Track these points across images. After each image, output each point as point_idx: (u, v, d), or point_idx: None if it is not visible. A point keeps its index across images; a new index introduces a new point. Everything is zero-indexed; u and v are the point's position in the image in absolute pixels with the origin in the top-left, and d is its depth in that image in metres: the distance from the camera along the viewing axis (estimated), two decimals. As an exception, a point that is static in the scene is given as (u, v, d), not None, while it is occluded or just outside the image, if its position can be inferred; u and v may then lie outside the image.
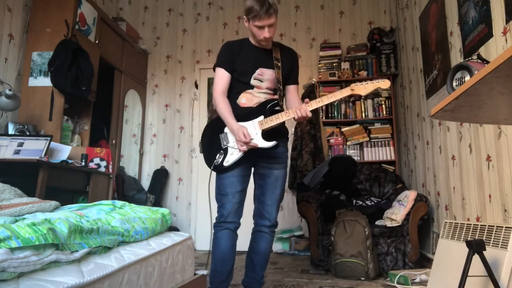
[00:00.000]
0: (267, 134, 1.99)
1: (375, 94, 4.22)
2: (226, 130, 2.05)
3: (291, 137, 4.46)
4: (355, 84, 1.95)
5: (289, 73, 2.16)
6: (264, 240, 2.10)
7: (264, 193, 2.10)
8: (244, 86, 2.07)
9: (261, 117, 2.01)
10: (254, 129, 2.00)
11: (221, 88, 2.06)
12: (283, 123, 2.08)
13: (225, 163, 2.00)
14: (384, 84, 1.93)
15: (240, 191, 2.02)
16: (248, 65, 2.07)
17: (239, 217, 2.03)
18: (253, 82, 2.07)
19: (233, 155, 2.00)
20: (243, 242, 2.15)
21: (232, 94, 2.09)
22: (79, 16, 3.39)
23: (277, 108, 2.05)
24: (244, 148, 1.96)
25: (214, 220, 2.06)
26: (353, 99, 4.29)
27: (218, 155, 2.02)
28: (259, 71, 2.07)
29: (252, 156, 2.02)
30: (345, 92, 1.94)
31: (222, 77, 2.07)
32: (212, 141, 2.08)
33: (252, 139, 1.96)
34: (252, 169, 2.15)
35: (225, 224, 1.99)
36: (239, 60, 2.08)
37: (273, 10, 1.93)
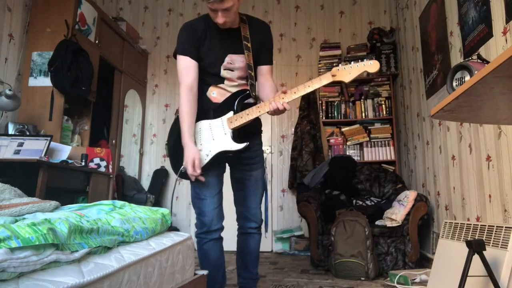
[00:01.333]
0: (239, 134, 1.77)
1: (375, 94, 4.22)
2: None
3: (291, 137, 4.47)
4: (337, 68, 1.62)
5: (260, 50, 1.86)
6: (253, 240, 1.98)
7: (247, 197, 1.93)
8: (214, 78, 1.82)
9: (231, 113, 1.75)
10: (222, 129, 1.76)
11: (189, 82, 1.75)
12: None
13: None
14: (373, 66, 1.58)
15: (218, 193, 1.85)
16: (216, 53, 1.79)
17: (222, 220, 1.88)
18: (223, 73, 1.81)
19: (200, 161, 1.76)
20: (229, 241, 2.06)
21: (202, 85, 1.82)
22: (79, 16, 3.39)
23: (249, 100, 1.82)
24: (192, 178, 1.72)
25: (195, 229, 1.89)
26: (353, 99, 4.29)
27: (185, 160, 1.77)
28: (228, 58, 1.80)
29: (224, 160, 1.84)
30: (324, 80, 1.63)
31: (189, 67, 1.76)
32: (178, 143, 1.80)
33: (202, 173, 1.72)
34: (227, 167, 1.96)
35: (210, 235, 1.83)
36: (205, 46, 1.79)
37: None
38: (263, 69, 1.90)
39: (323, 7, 4.82)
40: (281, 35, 4.80)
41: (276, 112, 1.70)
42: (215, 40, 1.80)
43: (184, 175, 1.79)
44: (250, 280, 2.02)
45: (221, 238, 1.90)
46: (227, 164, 1.97)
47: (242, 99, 1.80)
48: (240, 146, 1.74)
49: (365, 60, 1.62)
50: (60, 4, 3.31)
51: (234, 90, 1.84)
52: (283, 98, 1.68)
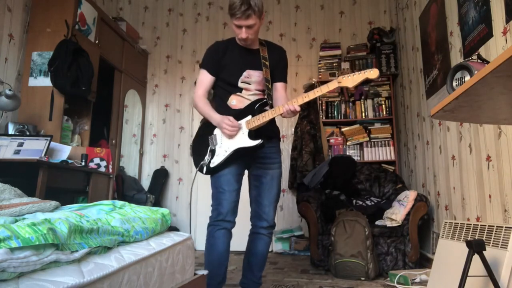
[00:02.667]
0: (255, 135, 1.95)
1: (375, 94, 4.22)
2: (215, 132, 2.01)
3: (291, 137, 4.47)
4: (342, 76, 1.84)
5: (276, 69, 2.10)
6: (262, 242, 2.08)
7: (261, 194, 2.06)
8: (233, 88, 2.04)
9: (249, 117, 1.96)
10: (241, 129, 1.97)
11: (202, 93, 2.04)
12: (274, 123, 2.08)
13: (212, 165, 1.97)
14: (373, 74, 1.77)
15: (236, 190, 1.99)
16: (235, 68, 2.03)
17: (235, 216, 2.00)
18: (241, 85, 2.03)
19: (218, 156, 1.97)
20: (240, 243, 2.12)
21: (222, 95, 2.07)
22: (79, 16, 3.39)
23: (266, 107, 2.00)
24: (234, 133, 1.93)
25: (208, 220, 2.01)
26: (353, 99, 4.29)
27: (206, 156, 1.99)
28: (246, 73, 2.03)
29: (242, 157, 1.99)
30: (331, 86, 1.83)
31: (204, 80, 2.05)
32: (201, 143, 2.06)
33: (240, 124, 1.94)
34: (246, 171, 2.12)
35: (223, 223, 1.94)
36: (225, 62, 2.04)
37: (252, 11, 1.85)
38: (278, 86, 2.12)
39: (323, 7, 4.82)
40: (281, 35, 4.80)
41: (289, 113, 1.87)
42: (235, 57, 2.05)
43: (202, 169, 2.00)
44: (252, 282, 2.08)
45: (231, 233, 1.99)
46: (245, 170, 2.11)
47: (261, 106, 1.99)
48: (255, 142, 1.93)
49: (366, 69, 1.82)
50: (60, 4, 3.31)
51: (251, 98, 2.03)
52: (295, 102, 1.86)
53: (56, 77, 3.08)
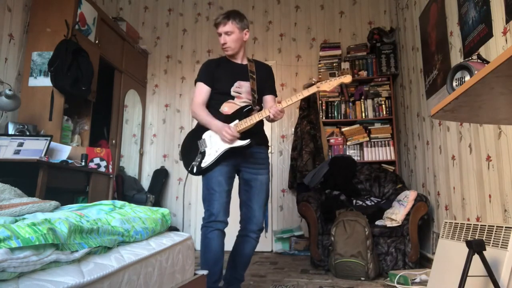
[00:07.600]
0: (244, 137, 2.07)
1: (375, 94, 4.22)
2: (204, 136, 2.13)
3: (291, 137, 4.47)
4: (320, 82, 2.10)
5: (264, 83, 2.27)
6: (249, 245, 2.18)
7: (251, 198, 2.18)
8: (226, 97, 2.19)
9: (237, 121, 2.10)
10: None
11: (201, 101, 2.19)
12: (262, 131, 2.26)
13: (203, 164, 2.08)
14: (346, 79, 2.06)
15: (226, 191, 2.08)
16: (227, 79, 2.20)
17: (227, 216, 2.09)
18: (233, 93, 2.19)
19: (210, 156, 2.08)
20: (226, 242, 2.15)
21: (215, 104, 2.21)
22: (79, 16, 3.39)
23: (252, 113, 2.14)
24: (233, 140, 2.05)
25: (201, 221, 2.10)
26: (353, 99, 4.29)
27: (196, 158, 2.11)
28: (237, 83, 2.20)
29: (232, 157, 2.10)
30: (311, 90, 2.07)
31: (202, 90, 2.20)
32: (191, 147, 2.17)
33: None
34: (236, 175, 2.23)
35: (216, 224, 2.03)
36: (218, 74, 2.21)
37: (230, 19, 2.13)
38: (268, 98, 2.30)
39: (323, 7, 4.82)
40: (281, 35, 4.80)
41: (275, 116, 2.04)
42: (227, 70, 2.25)
43: (192, 170, 2.10)
44: (234, 279, 2.19)
45: (224, 233, 2.08)
46: (235, 173, 2.21)
47: (247, 112, 2.13)
48: (244, 142, 2.05)
49: (341, 75, 2.09)
50: (60, 4, 3.31)
51: (242, 104, 2.18)
52: (279, 105, 2.04)
53: (56, 77, 3.08)
